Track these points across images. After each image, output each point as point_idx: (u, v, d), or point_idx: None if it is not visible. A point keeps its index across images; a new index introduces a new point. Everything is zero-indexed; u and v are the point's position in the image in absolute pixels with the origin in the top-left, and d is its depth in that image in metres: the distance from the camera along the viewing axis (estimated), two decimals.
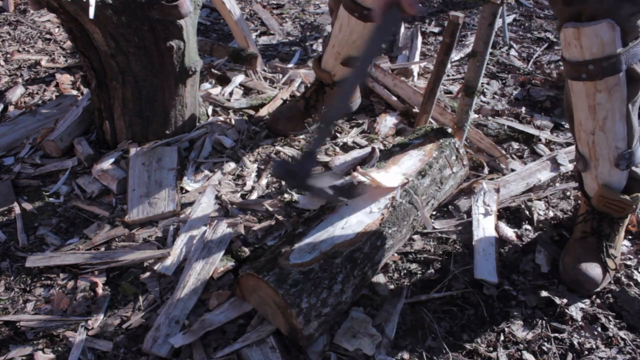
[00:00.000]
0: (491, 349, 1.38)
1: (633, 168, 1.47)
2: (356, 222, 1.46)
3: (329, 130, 1.36)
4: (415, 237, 1.67)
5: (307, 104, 2.11)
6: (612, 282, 1.56)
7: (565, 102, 1.55)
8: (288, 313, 1.27)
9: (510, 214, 1.77)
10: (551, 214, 1.76)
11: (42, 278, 1.55)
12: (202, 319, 1.40)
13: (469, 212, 1.74)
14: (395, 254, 1.60)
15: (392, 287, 1.51)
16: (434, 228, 1.69)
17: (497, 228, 1.68)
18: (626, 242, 1.67)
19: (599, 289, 1.52)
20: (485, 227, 1.67)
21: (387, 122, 2.15)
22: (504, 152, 1.99)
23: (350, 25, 1.82)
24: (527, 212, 1.76)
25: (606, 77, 1.29)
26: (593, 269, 1.51)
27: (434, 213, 1.76)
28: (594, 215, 1.55)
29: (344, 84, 1.33)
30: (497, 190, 1.78)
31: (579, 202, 1.73)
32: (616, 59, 1.26)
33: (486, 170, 1.92)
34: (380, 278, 1.52)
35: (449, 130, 1.84)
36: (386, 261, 1.55)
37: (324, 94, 2.09)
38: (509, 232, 1.69)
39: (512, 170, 1.92)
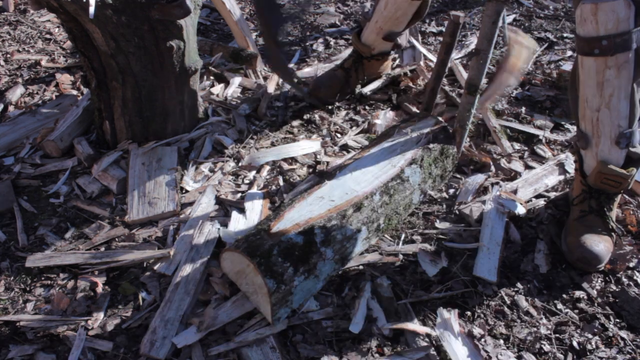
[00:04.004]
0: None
1: (630, 148, 1.53)
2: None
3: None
4: (415, 237, 1.67)
5: (346, 73, 2.27)
6: (613, 281, 1.56)
7: (570, 82, 1.61)
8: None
9: (517, 219, 1.76)
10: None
11: (42, 278, 1.55)
12: (213, 315, 1.40)
13: (478, 212, 1.73)
14: (400, 254, 1.60)
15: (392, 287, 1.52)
16: (437, 228, 1.70)
17: (507, 229, 1.68)
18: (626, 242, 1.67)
19: (603, 264, 1.57)
20: (495, 226, 1.67)
21: (383, 120, 2.16)
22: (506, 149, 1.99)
23: (397, 3, 2.00)
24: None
25: (617, 54, 1.36)
26: (597, 245, 1.56)
27: (440, 211, 1.76)
28: (591, 193, 1.62)
29: None
30: (515, 192, 1.80)
31: (571, 186, 1.75)
32: (629, 36, 1.33)
33: (492, 169, 1.93)
34: (382, 279, 1.53)
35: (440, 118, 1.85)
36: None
37: (362, 65, 2.28)
38: (518, 236, 1.69)
39: (512, 170, 1.92)
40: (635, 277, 1.57)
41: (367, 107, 2.28)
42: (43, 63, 2.59)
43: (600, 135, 1.52)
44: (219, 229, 1.64)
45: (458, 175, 1.91)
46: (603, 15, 1.32)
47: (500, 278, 1.55)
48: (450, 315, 1.40)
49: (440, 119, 1.85)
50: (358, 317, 1.42)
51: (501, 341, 1.40)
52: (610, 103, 1.45)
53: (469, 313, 1.46)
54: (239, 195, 1.81)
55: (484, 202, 1.75)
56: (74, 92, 2.34)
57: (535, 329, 1.43)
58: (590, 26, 1.36)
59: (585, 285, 1.55)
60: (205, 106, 2.19)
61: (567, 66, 2.48)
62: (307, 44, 2.80)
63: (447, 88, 2.34)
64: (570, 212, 1.68)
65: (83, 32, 1.68)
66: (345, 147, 2.05)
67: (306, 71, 2.51)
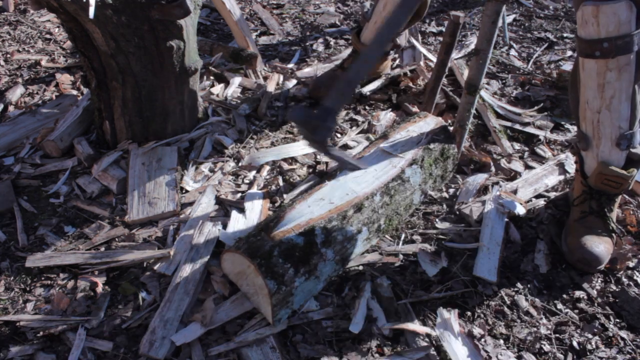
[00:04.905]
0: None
1: (631, 149, 1.53)
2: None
3: (350, 92, 1.44)
4: (415, 237, 1.67)
5: None
6: (613, 281, 1.56)
7: (571, 82, 1.61)
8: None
9: (517, 219, 1.76)
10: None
11: (42, 278, 1.55)
12: (213, 307, 1.41)
13: (478, 212, 1.73)
14: (400, 255, 1.60)
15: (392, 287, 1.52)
16: (437, 228, 1.70)
17: (507, 229, 1.68)
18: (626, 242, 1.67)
19: (603, 266, 1.57)
20: (495, 226, 1.67)
21: (383, 120, 2.16)
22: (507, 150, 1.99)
23: (396, 4, 1.93)
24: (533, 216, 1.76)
25: (619, 56, 1.35)
26: (597, 246, 1.56)
27: (440, 211, 1.76)
28: (592, 194, 1.61)
29: (368, 50, 1.44)
30: (515, 192, 1.80)
31: (571, 186, 1.75)
32: (630, 38, 1.32)
33: (492, 169, 1.93)
34: (382, 279, 1.53)
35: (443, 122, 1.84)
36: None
37: None
38: (518, 236, 1.69)
39: (512, 170, 1.93)
40: (635, 277, 1.58)
41: (367, 107, 2.28)
42: (43, 63, 2.59)
43: (600, 137, 1.52)
44: (219, 229, 1.64)
45: (458, 175, 1.91)
46: (604, 18, 1.31)
47: (500, 278, 1.55)
48: (450, 315, 1.40)
49: (440, 119, 1.85)
50: (358, 317, 1.42)
51: (501, 341, 1.40)
52: (611, 105, 1.44)
53: (469, 313, 1.46)
54: (239, 195, 1.81)
55: (484, 202, 1.76)
56: (74, 92, 2.34)
57: (535, 329, 1.43)
58: (591, 28, 1.35)
59: (585, 285, 1.55)
60: (205, 106, 2.19)
61: (567, 66, 2.48)
62: (307, 44, 2.80)
63: (447, 88, 2.34)
64: (570, 213, 1.68)
65: (83, 32, 1.68)
66: (345, 147, 2.05)
67: (306, 71, 2.51)
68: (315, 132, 1.37)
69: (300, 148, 2.01)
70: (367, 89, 2.31)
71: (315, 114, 1.37)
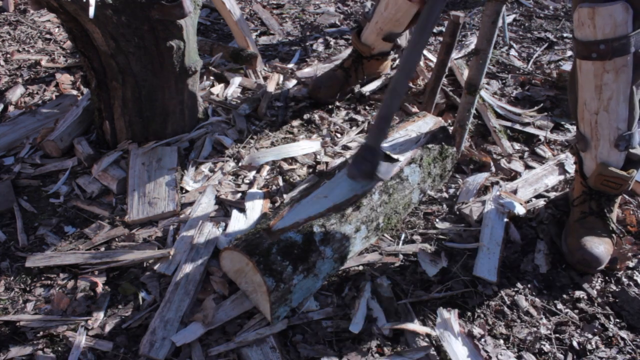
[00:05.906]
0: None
1: (630, 150, 1.53)
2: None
3: (387, 127, 1.49)
4: (415, 237, 1.67)
5: (345, 73, 2.27)
6: (613, 281, 1.56)
7: (569, 83, 1.61)
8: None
9: (517, 219, 1.76)
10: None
11: (42, 278, 1.55)
12: (214, 306, 1.41)
13: (478, 212, 1.73)
14: (400, 254, 1.60)
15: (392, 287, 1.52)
16: (437, 228, 1.70)
17: (507, 229, 1.68)
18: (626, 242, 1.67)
19: (603, 266, 1.57)
20: (495, 226, 1.67)
21: None
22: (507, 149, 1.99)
23: (398, 4, 1.97)
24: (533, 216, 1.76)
25: (615, 58, 1.34)
26: (597, 247, 1.55)
27: (440, 211, 1.76)
28: (592, 195, 1.61)
29: (395, 81, 1.45)
30: (515, 192, 1.81)
31: (571, 186, 1.75)
32: (627, 40, 1.32)
33: (492, 169, 1.93)
34: (382, 279, 1.53)
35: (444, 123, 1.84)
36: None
37: (362, 65, 2.27)
38: (518, 236, 1.69)
39: (512, 170, 1.93)
40: (635, 277, 1.58)
41: (367, 107, 2.28)
42: (43, 63, 2.59)
43: (599, 138, 1.52)
44: (221, 233, 1.64)
45: (458, 175, 1.91)
46: (600, 20, 1.31)
47: (500, 278, 1.55)
48: (450, 315, 1.40)
49: (439, 118, 1.85)
50: (358, 317, 1.42)
51: (501, 341, 1.40)
52: (609, 106, 1.44)
53: (469, 313, 1.46)
54: (239, 195, 1.81)
55: (484, 202, 1.76)
56: (74, 92, 2.34)
57: (535, 329, 1.43)
58: (587, 30, 1.34)
59: (585, 285, 1.55)
60: (205, 106, 2.19)
61: (567, 66, 2.48)
62: (307, 44, 2.80)
63: (447, 88, 2.34)
64: (570, 213, 1.68)
65: (83, 32, 1.68)
66: (345, 147, 2.05)
67: (306, 71, 2.51)
68: (367, 173, 1.47)
69: (300, 148, 2.01)
70: (367, 89, 2.31)
71: (365, 160, 1.47)
